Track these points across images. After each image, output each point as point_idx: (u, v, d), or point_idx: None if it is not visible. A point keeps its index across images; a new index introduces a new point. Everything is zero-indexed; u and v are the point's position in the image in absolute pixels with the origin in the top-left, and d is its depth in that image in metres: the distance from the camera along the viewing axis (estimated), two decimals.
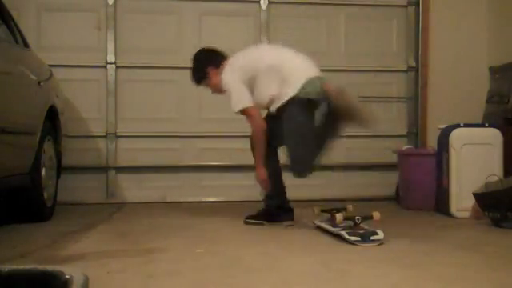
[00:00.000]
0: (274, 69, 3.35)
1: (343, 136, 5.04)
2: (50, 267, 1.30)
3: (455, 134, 3.98)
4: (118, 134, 4.85)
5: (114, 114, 4.83)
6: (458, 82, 5.11)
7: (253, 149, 3.52)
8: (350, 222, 3.02)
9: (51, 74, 4.04)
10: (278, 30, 5.02)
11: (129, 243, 2.91)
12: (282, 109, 3.34)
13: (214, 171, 4.98)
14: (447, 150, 4.00)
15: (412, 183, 4.41)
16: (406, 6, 5.19)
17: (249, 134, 5.08)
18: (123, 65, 4.84)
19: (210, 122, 4.96)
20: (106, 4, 4.81)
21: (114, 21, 4.83)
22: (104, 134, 4.84)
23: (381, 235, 2.85)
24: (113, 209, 4.38)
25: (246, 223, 3.52)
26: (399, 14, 5.21)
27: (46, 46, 4.65)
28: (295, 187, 5.06)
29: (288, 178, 3.56)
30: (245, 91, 3.40)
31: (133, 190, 4.85)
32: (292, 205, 3.63)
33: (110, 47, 4.82)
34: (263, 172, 3.45)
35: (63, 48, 4.75)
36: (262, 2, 4.99)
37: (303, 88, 3.28)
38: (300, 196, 4.89)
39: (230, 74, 3.42)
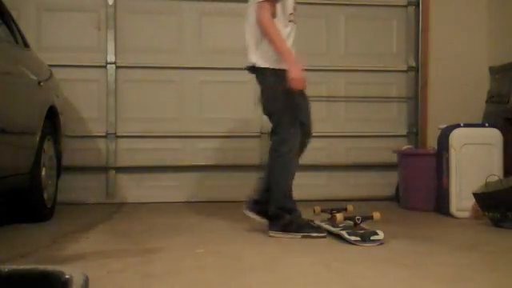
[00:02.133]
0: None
1: (344, 136, 5.13)
2: (50, 267, 1.30)
3: (455, 134, 3.98)
4: (117, 134, 4.85)
5: (114, 114, 4.83)
6: (458, 81, 5.11)
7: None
8: (351, 222, 3.03)
9: (51, 74, 4.04)
10: None
11: (129, 243, 2.91)
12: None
13: (214, 171, 4.99)
14: (447, 150, 4.00)
15: (412, 183, 4.41)
16: (405, 6, 5.19)
17: (247, 134, 5.13)
18: (123, 65, 4.84)
19: (210, 122, 4.96)
20: (106, 4, 4.81)
21: (114, 21, 4.83)
22: (104, 134, 4.84)
23: (381, 235, 2.85)
24: (113, 209, 4.38)
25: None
26: (399, 14, 5.21)
27: (46, 46, 4.65)
28: (295, 187, 5.08)
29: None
30: None
31: (133, 189, 4.85)
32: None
33: (110, 47, 4.82)
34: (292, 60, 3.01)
35: (63, 48, 4.75)
36: None
37: None
38: (300, 196, 4.91)
39: None
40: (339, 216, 3.02)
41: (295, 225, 3.09)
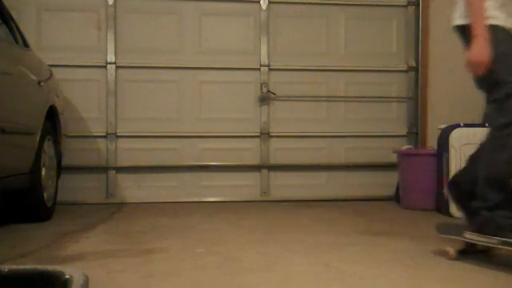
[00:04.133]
0: None
1: (343, 136, 5.12)
2: (50, 267, 1.30)
3: (455, 134, 3.98)
4: (117, 134, 4.85)
5: (114, 114, 4.83)
6: (458, 82, 5.08)
7: None
8: None
9: (51, 74, 4.04)
10: (278, 30, 5.02)
11: (129, 243, 2.91)
12: None
13: (213, 171, 4.98)
14: (447, 150, 4.00)
15: (412, 183, 4.41)
16: (405, 6, 5.19)
17: (247, 134, 5.13)
18: (123, 65, 4.84)
19: (210, 122, 4.96)
20: (106, 4, 4.81)
21: (114, 21, 4.83)
22: (104, 134, 4.84)
23: None
24: (113, 209, 4.38)
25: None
26: (399, 14, 5.20)
27: (46, 46, 4.66)
28: (295, 187, 5.09)
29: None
30: None
31: (133, 189, 4.86)
32: None
33: (110, 47, 4.82)
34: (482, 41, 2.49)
35: (63, 48, 4.75)
36: (261, 1, 4.99)
37: None
38: (300, 196, 4.93)
39: None
40: None
41: (494, 224, 2.38)
